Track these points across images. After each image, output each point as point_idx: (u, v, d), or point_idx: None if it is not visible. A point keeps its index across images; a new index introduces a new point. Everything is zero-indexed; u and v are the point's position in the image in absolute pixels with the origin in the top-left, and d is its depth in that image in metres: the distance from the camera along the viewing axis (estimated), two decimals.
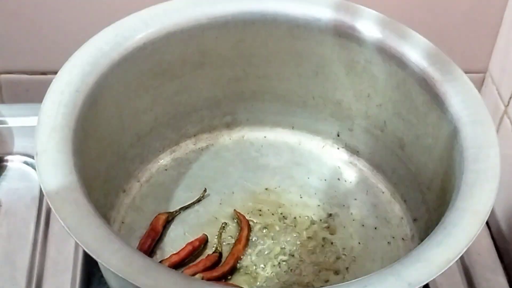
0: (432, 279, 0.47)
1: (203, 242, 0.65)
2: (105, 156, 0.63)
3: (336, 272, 0.64)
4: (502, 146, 0.56)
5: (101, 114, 0.61)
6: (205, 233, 0.66)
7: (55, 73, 0.58)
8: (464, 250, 0.48)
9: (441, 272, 0.47)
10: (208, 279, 0.61)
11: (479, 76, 0.84)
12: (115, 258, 0.46)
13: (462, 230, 0.49)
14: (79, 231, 0.47)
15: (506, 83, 0.77)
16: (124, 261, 0.46)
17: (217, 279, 0.62)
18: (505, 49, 0.79)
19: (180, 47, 0.65)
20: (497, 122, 0.78)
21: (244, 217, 0.67)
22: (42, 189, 0.50)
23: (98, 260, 0.46)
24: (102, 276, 0.64)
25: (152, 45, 0.63)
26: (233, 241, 0.66)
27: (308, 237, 0.67)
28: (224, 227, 0.67)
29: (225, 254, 0.65)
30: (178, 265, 0.63)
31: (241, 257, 0.64)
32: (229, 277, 0.63)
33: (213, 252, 0.64)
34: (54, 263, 0.66)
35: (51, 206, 0.49)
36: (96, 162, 0.61)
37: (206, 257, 0.64)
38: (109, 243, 0.47)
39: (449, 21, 0.79)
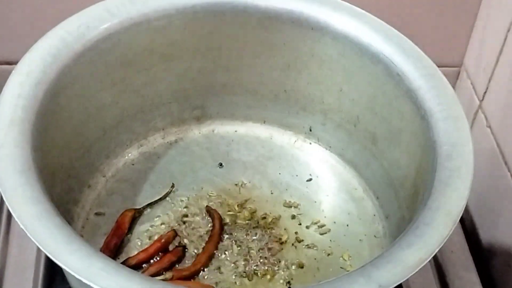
0: (403, 280, 0.45)
1: (172, 238, 0.64)
2: (68, 150, 0.61)
3: (307, 270, 0.63)
4: (476, 141, 0.55)
5: (64, 107, 0.59)
6: (174, 229, 0.64)
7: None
8: (436, 251, 0.47)
9: (412, 274, 0.46)
10: (180, 278, 0.60)
11: (454, 70, 0.83)
12: (73, 259, 0.44)
13: (435, 230, 0.48)
14: (36, 230, 0.45)
15: (481, 78, 0.76)
16: (83, 262, 0.44)
17: (188, 277, 0.61)
18: (480, 43, 0.78)
19: (147, 38, 0.63)
20: (471, 117, 0.78)
21: (217, 213, 0.66)
22: None
23: (56, 261, 0.44)
24: (65, 275, 0.62)
25: (118, 36, 0.61)
26: (200, 234, 0.65)
27: (279, 234, 0.66)
28: (184, 221, 0.66)
29: (191, 247, 0.63)
30: (146, 262, 0.62)
31: (213, 254, 0.63)
32: (198, 275, 0.62)
33: (177, 246, 0.63)
34: (16, 261, 0.64)
35: (7, 204, 0.47)
36: (59, 156, 0.59)
37: (171, 252, 0.62)
38: (68, 243, 0.45)
39: (425, 14, 0.78)
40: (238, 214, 0.67)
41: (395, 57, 0.60)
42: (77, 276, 0.43)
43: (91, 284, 0.43)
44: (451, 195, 0.51)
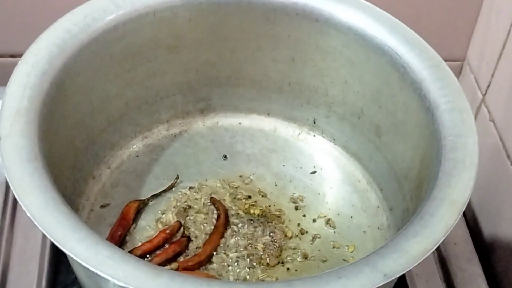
0: (408, 270, 0.45)
1: (177, 229, 0.64)
2: (74, 142, 0.62)
3: (311, 261, 0.63)
4: (479, 135, 0.55)
5: (70, 98, 0.59)
6: (178, 220, 0.64)
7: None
8: (441, 241, 0.47)
9: (417, 263, 0.46)
10: (185, 268, 0.60)
11: (457, 64, 0.83)
12: (80, 247, 0.44)
13: (439, 220, 0.48)
14: (44, 219, 0.45)
15: (484, 72, 0.76)
16: (90, 251, 0.44)
17: (193, 268, 0.61)
18: (483, 37, 0.78)
19: (152, 29, 0.63)
20: (474, 111, 0.78)
21: (222, 204, 0.66)
22: (6, 175, 0.48)
23: (63, 249, 0.44)
24: (70, 265, 0.62)
25: (123, 28, 0.61)
26: (204, 225, 0.65)
27: (283, 225, 0.66)
28: (189, 212, 0.66)
29: (196, 238, 0.64)
30: (151, 253, 0.62)
31: (218, 245, 0.63)
32: (203, 265, 0.62)
33: (182, 237, 0.63)
34: (21, 251, 0.64)
35: (14, 193, 0.47)
36: (64, 147, 0.59)
37: (175, 242, 0.63)
38: (75, 231, 0.45)
39: (428, 8, 0.78)
40: (242, 205, 0.67)
41: (400, 48, 0.60)
42: (83, 264, 0.43)
43: (98, 272, 0.43)
44: (456, 185, 0.51)
